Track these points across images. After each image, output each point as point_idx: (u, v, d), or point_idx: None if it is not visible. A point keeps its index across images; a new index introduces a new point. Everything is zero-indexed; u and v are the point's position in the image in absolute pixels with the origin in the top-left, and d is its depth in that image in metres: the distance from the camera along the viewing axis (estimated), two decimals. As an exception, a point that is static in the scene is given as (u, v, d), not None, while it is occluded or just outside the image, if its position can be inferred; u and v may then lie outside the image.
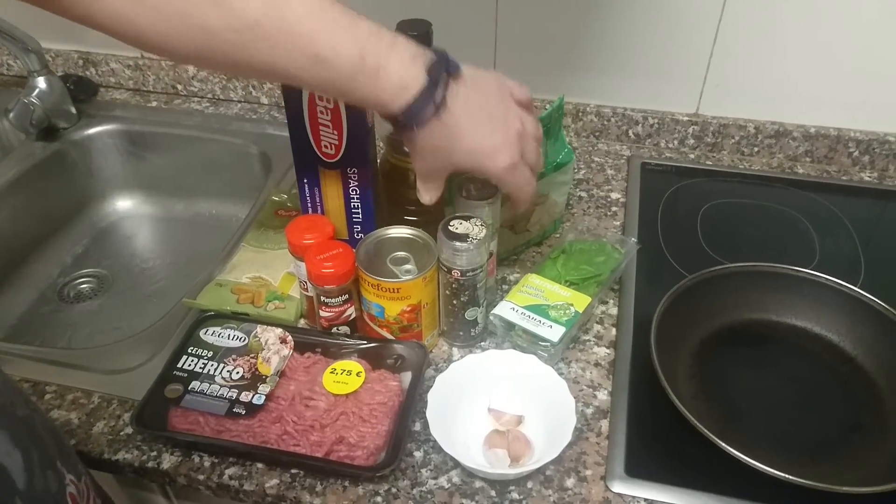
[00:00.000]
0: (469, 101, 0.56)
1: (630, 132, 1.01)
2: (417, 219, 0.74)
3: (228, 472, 0.60)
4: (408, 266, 0.65)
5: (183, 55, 0.51)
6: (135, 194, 1.10)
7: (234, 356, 0.66)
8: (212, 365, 0.66)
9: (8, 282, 0.95)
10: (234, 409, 0.62)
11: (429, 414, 0.60)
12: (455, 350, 0.71)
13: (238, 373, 0.65)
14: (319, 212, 0.74)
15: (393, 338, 0.67)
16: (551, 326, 0.67)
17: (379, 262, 0.66)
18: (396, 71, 0.53)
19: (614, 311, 0.75)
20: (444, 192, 0.63)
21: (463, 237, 0.63)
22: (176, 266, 1.01)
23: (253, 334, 0.68)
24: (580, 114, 1.01)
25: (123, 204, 1.10)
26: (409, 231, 0.68)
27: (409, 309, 0.65)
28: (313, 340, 0.68)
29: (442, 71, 0.54)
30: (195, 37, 0.49)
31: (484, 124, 0.58)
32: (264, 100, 1.11)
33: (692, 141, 1.00)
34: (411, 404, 0.62)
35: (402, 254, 0.66)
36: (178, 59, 0.53)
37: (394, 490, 0.59)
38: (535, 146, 0.61)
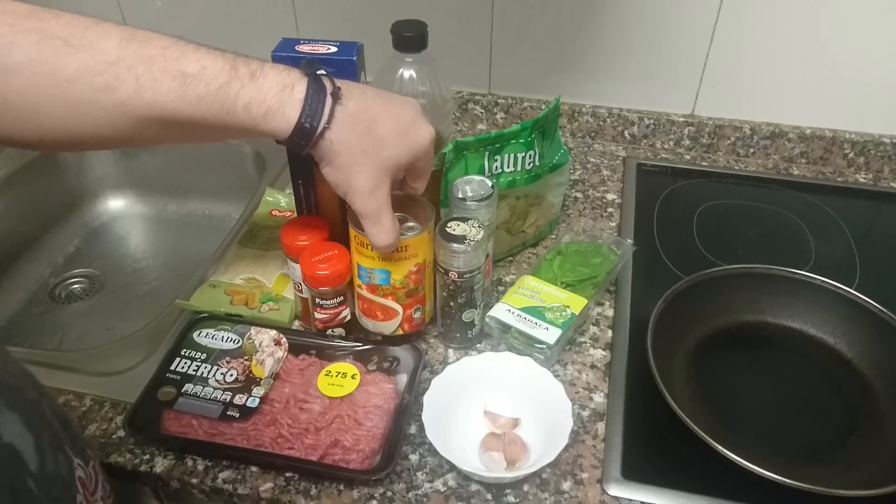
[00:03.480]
0: (360, 90, 0.53)
1: (626, 133, 1.01)
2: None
3: (222, 475, 0.60)
4: (409, 223, 0.63)
5: (51, 126, 0.47)
6: (127, 194, 1.09)
7: (227, 358, 0.66)
8: (205, 367, 0.65)
9: (-2, 282, 0.94)
10: (228, 412, 0.61)
11: (424, 417, 0.60)
12: (451, 352, 0.71)
13: (232, 375, 0.64)
14: (314, 213, 0.73)
15: (399, 305, 0.65)
16: (547, 328, 0.67)
17: None
18: (273, 75, 0.49)
19: (610, 312, 0.75)
20: (437, 193, 0.62)
21: (460, 239, 0.62)
22: (168, 266, 1.00)
23: (247, 336, 0.68)
24: (576, 114, 1.01)
25: (115, 203, 1.09)
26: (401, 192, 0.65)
27: (415, 269, 0.63)
28: (308, 342, 0.67)
29: (315, 68, 0.52)
30: (63, 90, 0.46)
31: (389, 105, 0.54)
32: (258, 99, 1.10)
33: (688, 142, 1.00)
34: (407, 407, 0.62)
35: (398, 214, 0.63)
36: (45, 140, 0.48)
37: (389, 493, 0.58)
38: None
